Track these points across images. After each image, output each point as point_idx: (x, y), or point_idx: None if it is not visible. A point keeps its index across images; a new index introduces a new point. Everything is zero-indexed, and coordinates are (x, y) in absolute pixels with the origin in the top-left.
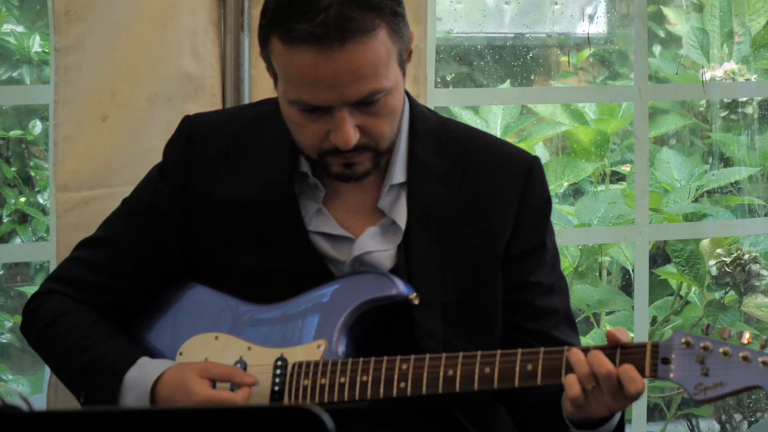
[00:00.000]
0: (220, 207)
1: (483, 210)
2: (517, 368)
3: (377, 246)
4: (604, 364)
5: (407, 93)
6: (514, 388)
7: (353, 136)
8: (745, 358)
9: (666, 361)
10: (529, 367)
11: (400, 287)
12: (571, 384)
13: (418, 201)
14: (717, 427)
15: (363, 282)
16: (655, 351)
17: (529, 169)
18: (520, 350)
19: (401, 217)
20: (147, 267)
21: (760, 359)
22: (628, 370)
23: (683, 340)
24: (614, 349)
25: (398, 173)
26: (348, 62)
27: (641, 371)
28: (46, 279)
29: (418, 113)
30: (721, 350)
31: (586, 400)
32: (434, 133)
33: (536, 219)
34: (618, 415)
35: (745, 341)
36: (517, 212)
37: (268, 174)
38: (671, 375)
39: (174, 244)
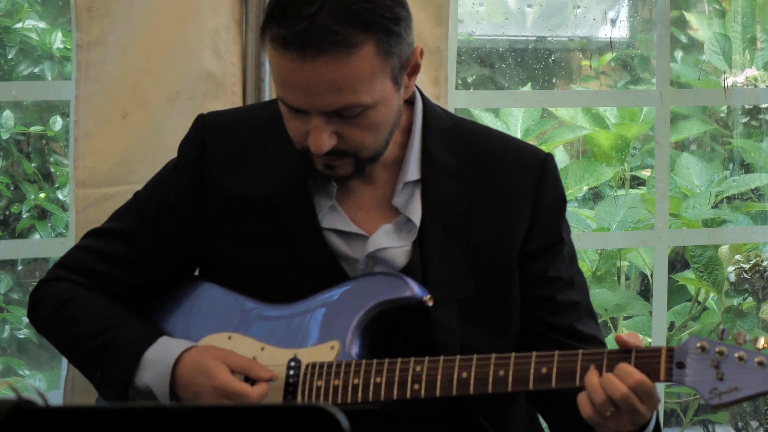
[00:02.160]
0: (233, 204)
1: (497, 207)
2: (532, 371)
3: (391, 243)
4: (618, 388)
5: (420, 92)
6: (529, 390)
7: (326, 143)
8: (760, 363)
9: (681, 365)
10: (544, 369)
11: (415, 289)
12: (583, 405)
13: (433, 198)
14: None
15: (377, 283)
16: (670, 355)
17: (543, 166)
18: (534, 353)
19: (416, 214)
20: (156, 261)
21: None
22: (641, 385)
23: (698, 344)
24: (629, 353)
25: (412, 171)
26: (322, 74)
27: (656, 375)
28: (53, 266)
29: (432, 112)
30: (736, 355)
31: (604, 420)
32: (448, 132)
33: (551, 215)
34: (653, 422)
35: (761, 346)
36: (531, 209)
37: (281, 171)
38: (686, 379)
39: (185, 240)
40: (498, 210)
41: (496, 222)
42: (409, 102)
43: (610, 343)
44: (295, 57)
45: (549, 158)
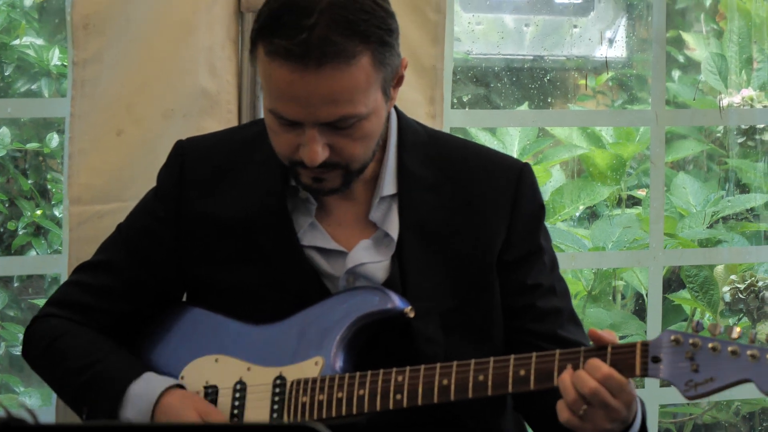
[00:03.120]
0: (214, 227)
1: (475, 218)
2: (510, 374)
3: (370, 258)
4: (586, 383)
5: (395, 107)
6: (531, 394)
7: (320, 155)
8: (733, 353)
9: (656, 359)
10: (522, 372)
11: (396, 301)
12: (560, 409)
13: (410, 212)
14: None
15: (359, 297)
16: (645, 350)
17: (519, 175)
18: (513, 356)
19: (393, 228)
20: (142, 289)
21: (748, 352)
22: (610, 379)
23: (672, 337)
24: (604, 349)
25: (388, 185)
26: (322, 85)
27: (632, 370)
28: (44, 304)
29: (407, 127)
30: (710, 345)
31: (582, 421)
32: (423, 145)
33: (529, 224)
34: (638, 423)
35: (735, 336)
36: (509, 218)
37: (260, 191)
38: (661, 373)
39: (169, 266)
40: (476, 221)
41: (474, 233)
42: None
43: None
44: (296, 68)
45: (526, 168)
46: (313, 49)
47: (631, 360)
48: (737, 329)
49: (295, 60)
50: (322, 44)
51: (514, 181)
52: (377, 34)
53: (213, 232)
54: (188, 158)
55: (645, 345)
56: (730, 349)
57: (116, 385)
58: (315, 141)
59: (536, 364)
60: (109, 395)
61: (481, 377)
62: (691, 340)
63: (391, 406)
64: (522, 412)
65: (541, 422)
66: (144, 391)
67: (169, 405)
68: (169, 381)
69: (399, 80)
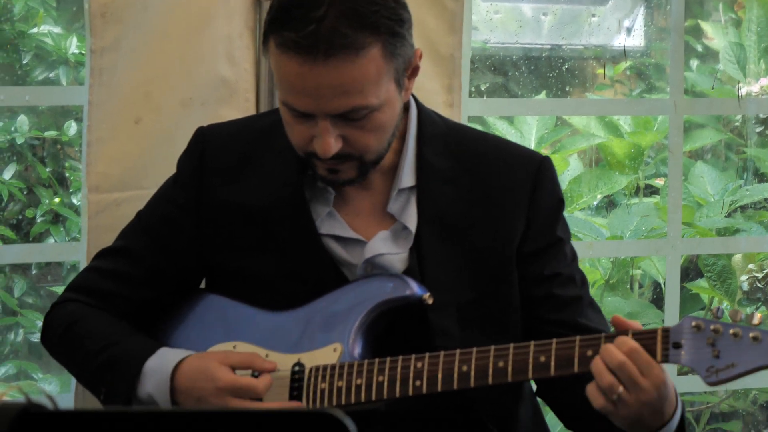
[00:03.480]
0: (233, 215)
1: (493, 210)
2: (531, 360)
3: (389, 249)
4: (614, 356)
5: (415, 98)
6: (556, 384)
7: (333, 147)
8: (755, 339)
9: (677, 345)
10: (542, 358)
11: (414, 288)
12: (592, 394)
13: (428, 204)
14: None
15: (377, 284)
16: (666, 336)
17: (539, 168)
18: (532, 342)
19: (411, 220)
20: (162, 276)
21: None
22: (620, 339)
23: (694, 323)
24: (625, 334)
25: (407, 177)
26: (331, 77)
27: (653, 356)
28: (64, 289)
29: (426, 118)
30: (731, 332)
31: (614, 406)
32: (442, 137)
33: (548, 216)
34: (675, 422)
35: (756, 322)
36: (528, 211)
37: (278, 180)
38: (683, 359)
39: (188, 253)
40: (494, 213)
41: (492, 225)
42: (404, 108)
43: None
44: (305, 60)
45: (545, 161)
46: (322, 41)
47: (652, 346)
48: (758, 315)
49: (304, 52)
50: (330, 36)
51: (533, 174)
52: (387, 24)
53: (232, 220)
54: (209, 145)
55: (666, 331)
56: (751, 335)
57: (132, 363)
58: (327, 133)
59: (556, 350)
60: (126, 374)
61: (501, 363)
62: (712, 326)
63: (410, 393)
64: (547, 400)
65: (569, 411)
66: (159, 364)
67: (189, 368)
68: (184, 352)
69: (414, 71)
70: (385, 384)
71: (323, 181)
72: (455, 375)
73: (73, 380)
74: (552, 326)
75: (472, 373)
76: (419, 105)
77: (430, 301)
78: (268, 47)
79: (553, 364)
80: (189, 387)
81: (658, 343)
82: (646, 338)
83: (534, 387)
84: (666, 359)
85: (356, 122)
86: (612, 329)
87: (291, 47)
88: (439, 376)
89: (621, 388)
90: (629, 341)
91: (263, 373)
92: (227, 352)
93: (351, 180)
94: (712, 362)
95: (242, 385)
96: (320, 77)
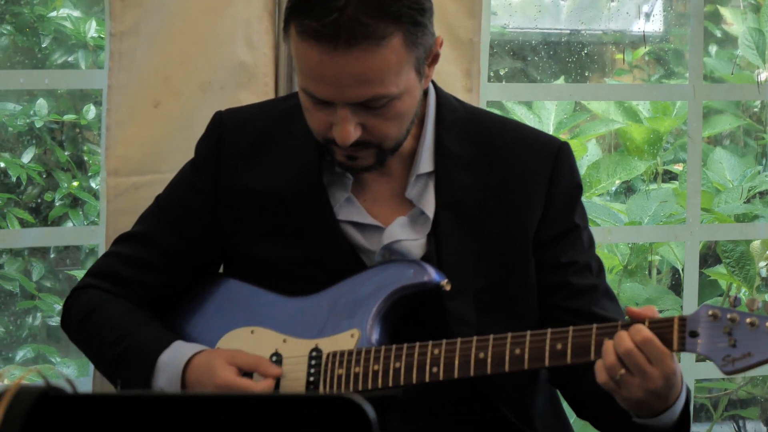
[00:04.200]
0: (251, 200)
1: (511, 196)
2: (547, 347)
3: (407, 235)
4: (624, 342)
5: (434, 83)
6: (569, 372)
7: (352, 135)
8: None
9: (694, 334)
10: (559, 346)
11: (432, 274)
12: (598, 370)
13: (446, 190)
14: (764, 428)
15: (394, 270)
16: (682, 324)
17: (557, 154)
18: (549, 330)
19: (429, 206)
20: (180, 261)
21: None
22: (635, 327)
23: (710, 312)
24: (642, 323)
25: (425, 163)
26: (352, 66)
27: (669, 345)
28: (84, 274)
29: (445, 103)
30: (748, 321)
31: (617, 386)
32: (461, 123)
33: (566, 203)
34: (680, 403)
35: None
36: (546, 197)
37: (296, 165)
38: (699, 348)
39: (207, 238)
40: (512, 199)
41: (510, 211)
42: (423, 93)
43: None
44: (326, 49)
45: (564, 146)
46: (343, 30)
47: (669, 334)
48: None
49: (324, 41)
50: (352, 25)
51: (552, 160)
52: (409, 14)
53: (250, 205)
54: (226, 130)
55: (683, 319)
56: None
57: (147, 357)
58: (347, 120)
59: (573, 338)
60: (141, 367)
61: (517, 351)
62: (729, 315)
63: (427, 379)
64: (559, 387)
65: (581, 399)
66: (173, 358)
67: (197, 365)
68: (197, 347)
69: (434, 58)
70: (402, 370)
71: (341, 167)
72: (472, 362)
73: (92, 365)
74: (566, 314)
75: (489, 360)
76: (438, 90)
77: (448, 288)
78: (288, 33)
79: (569, 352)
80: (195, 382)
81: (675, 332)
82: (662, 327)
83: (547, 374)
84: (682, 348)
85: (376, 110)
86: (627, 318)
87: (312, 35)
88: (456, 362)
89: (623, 371)
90: (643, 330)
91: (267, 377)
92: (236, 351)
93: (369, 167)
94: (728, 351)
95: (238, 387)
96: (340, 66)
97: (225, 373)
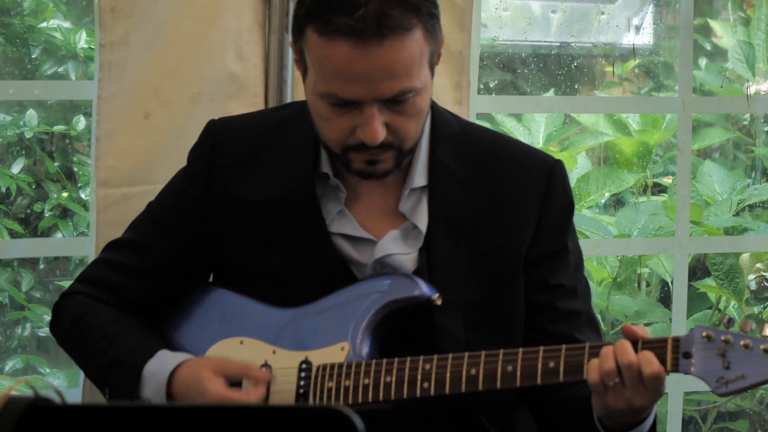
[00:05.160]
0: (243, 209)
1: (504, 213)
2: (540, 366)
3: (399, 249)
4: (627, 353)
5: None
6: (538, 389)
7: (381, 133)
8: (766, 351)
9: (687, 355)
10: (551, 364)
11: (423, 288)
12: (592, 369)
13: (439, 204)
14: None
15: (386, 283)
16: (676, 345)
17: (551, 172)
18: (542, 348)
19: (422, 220)
20: (171, 269)
21: None
22: (646, 355)
23: (704, 333)
24: (636, 343)
25: (419, 177)
26: (384, 59)
27: (663, 366)
28: (74, 280)
29: (440, 117)
30: (742, 343)
31: (605, 390)
32: (456, 137)
33: (558, 222)
34: (650, 421)
35: (767, 333)
36: (538, 215)
37: (290, 175)
38: (693, 369)
39: (198, 246)
40: (505, 216)
41: (503, 228)
42: None
43: None
44: (357, 44)
45: (558, 165)
46: (373, 23)
47: (662, 355)
48: None
49: (356, 35)
50: (380, 18)
51: (545, 177)
52: (426, 6)
53: (241, 215)
54: (219, 139)
55: (676, 340)
56: (762, 347)
57: (132, 367)
58: (374, 119)
59: (566, 356)
60: (127, 377)
61: (509, 368)
62: (722, 337)
63: (417, 394)
64: (530, 409)
65: (551, 422)
66: (158, 368)
67: (183, 376)
68: (181, 356)
69: (438, 58)
70: (393, 385)
71: (358, 174)
72: (463, 378)
73: (81, 375)
74: (546, 337)
75: (481, 376)
76: (432, 104)
77: (439, 302)
78: (304, 39)
79: (562, 370)
80: (183, 395)
81: (668, 353)
82: (655, 347)
83: None
84: (676, 369)
85: (400, 107)
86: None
87: (343, 32)
88: (447, 379)
89: (617, 379)
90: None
91: (258, 384)
92: (222, 361)
93: (387, 171)
94: (722, 373)
95: (231, 401)
96: (373, 60)
97: (214, 386)
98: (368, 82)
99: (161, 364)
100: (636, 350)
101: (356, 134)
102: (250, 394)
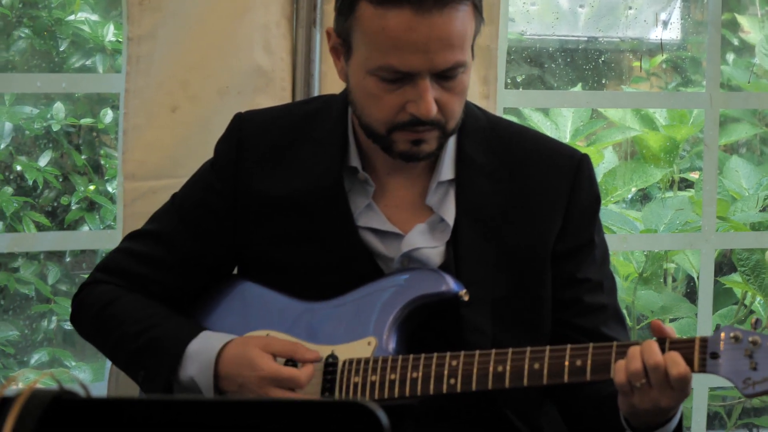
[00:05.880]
0: (269, 203)
1: (531, 207)
2: (567, 364)
3: (426, 243)
4: (654, 354)
5: None
6: (564, 385)
7: (434, 106)
8: None
9: (715, 355)
10: (579, 362)
11: (451, 283)
12: (619, 369)
13: (467, 198)
14: None
15: (413, 278)
16: (703, 345)
17: (578, 166)
18: (569, 346)
19: (449, 214)
20: (195, 261)
21: None
22: (673, 355)
23: (732, 334)
24: (663, 343)
25: (446, 170)
26: (442, 28)
27: (690, 366)
28: (93, 269)
29: (468, 111)
30: None
31: (632, 390)
32: (483, 132)
33: (584, 216)
34: (676, 420)
35: None
36: (565, 209)
37: (317, 170)
38: (720, 369)
39: (223, 240)
40: (532, 210)
41: (530, 222)
42: None
43: None
44: (418, 11)
45: (585, 159)
46: None
47: (690, 355)
48: None
49: (418, 2)
50: None
51: (572, 172)
52: None
53: (268, 208)
54: (246, 132)
55: (704, 340)
56: None
57: (175, 346)
58: (429, 92)
59: (593, 355)
60: (168, 356)
61: (536, 365)
62: (750, 338)
63: (444, 391)
64: (557, 404)
65: (578, 418)
66: (203, 347)
67: (232, 354)
68: (227, 336)
69: (471, 47)
70: (419, 381)
71: (402, 157)
72: (490, 375)
73: (107, 368)
74: (574, 331)
75: (507, 374)
76: None
77: (467, 298)
78: (356, 15)
79: (589, 368)
80: (232, 373)
81: (696, 353)
82: (683, 347)
83: None
84: (703, 369)
85: (449, 83)
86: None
87: (402, 1)
88: (474, 375)
89: (644, 380)
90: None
91: (305, 363)
92: (270, 338)
93: (430, 153)
94: (749, 374)
95: (285, 377)
96: (432, 29)
97: (266, 363)
98: (426, 53)
99: (206, 343)
100: (663, 350)
101: (406, 110)
102: (301, 373)
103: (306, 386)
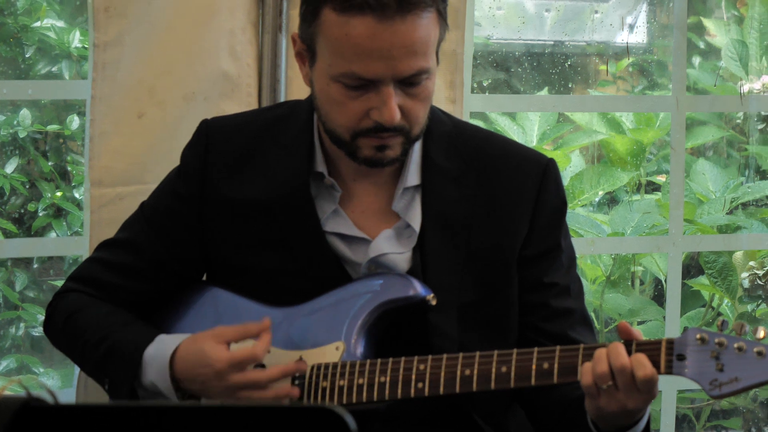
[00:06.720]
0: (236, 209)
1: (498, 212)
2: (534, 367)
3: (393, 248)
4: (620, 356)
5: None
6: (532, 388)
7: (397, 113)
8: (759, 353)
9: (681, 357)
10: (546, 365)
11: (418, 288)
12: (585, 372)
13: (433, 204)
14: None
15: (380, 283)
16: (670, 347)
17: (544, 171)
18: (536, 349)
19: (416, 219)
20: (164, 269)
21: None
22: (639, 357)
23: (698, 336)
24: (629, 345)
25: (412, 176)
26: (405, 35)
27: (657, 368)
28: (66, 279)
29: (433, 116)
30: (735, 345)
31: (598, 393)
32: (449, 137)
33: (551, 220)
34: (643, 422)
35: (761, 336)
36: (532, 214)
37: (284, 175)
38: (686, 371)
39: (191, 246)
40: (499, 215)
41: (496, 227)
42: None
43: None
44: (381, 19)
45: (551, 163)
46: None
47: (656, 357)
48: (763, 330)
49: (381, 10)
50: None
51: (539, 176)
52: None
53: (235, 214)
54: (213, 138)
55: (670, 342)
56: (756, 349)
57: (132, 353)
58: (392, 98)
59: (560, 357)
60: (127, 364)
61: (504, 369)
62: (716, 339)
63: (412, 395)
64: (524, 408)
65: (545, 422)
66: (158, 351)
67: (186, 353)
68: (181, 336)
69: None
70: (387, 385)
71: (366, 162)
72: (458, 379)
73: (75, 374)
74: (540, 335)
75: (475, 377)
76: None
77: (434, 302)
78: (320, 20)
79: (556, 371)
80: (190, 374)
81: (662, 355)
82: (649, 349)
83: None
84: (670, 371)
85: (413, 89)
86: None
87: (365, 6)
88: (442, 379)
89: (610, 382)
90: (647, 367)
91: (261, 335)
92: (219, 329)
93: (394, 159)
94: (715, 375)
95: (240, 359)
96: (394, 36)
97: (219, 353)
98: (389, 59)
99: (161, 347)
100: (629, 352)
101: (370, 117)
102: (255, 348)
103: (263, 356)
